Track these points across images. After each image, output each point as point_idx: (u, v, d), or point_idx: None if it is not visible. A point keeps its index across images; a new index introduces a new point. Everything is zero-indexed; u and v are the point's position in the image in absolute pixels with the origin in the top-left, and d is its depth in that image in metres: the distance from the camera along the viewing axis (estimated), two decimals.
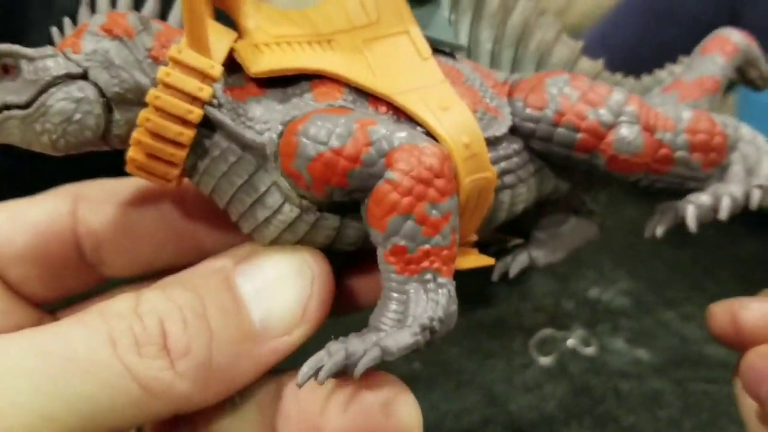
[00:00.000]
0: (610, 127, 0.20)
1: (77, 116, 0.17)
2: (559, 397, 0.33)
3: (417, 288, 0.17)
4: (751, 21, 0.54)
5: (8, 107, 0.17)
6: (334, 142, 0.17)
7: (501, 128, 0.20)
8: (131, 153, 0.17)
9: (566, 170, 0.21)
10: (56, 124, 0.17)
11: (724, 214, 0.20)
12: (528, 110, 0.20)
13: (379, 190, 0.17)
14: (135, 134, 0.17)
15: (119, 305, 0.17)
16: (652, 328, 0.38)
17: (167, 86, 0.17)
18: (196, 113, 0.17)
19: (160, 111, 0.17)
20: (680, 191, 0.21)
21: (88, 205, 0.22)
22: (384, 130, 0.17)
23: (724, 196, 0.20)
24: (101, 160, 0.20)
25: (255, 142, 0.17)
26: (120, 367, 0.16)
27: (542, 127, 0.20)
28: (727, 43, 0.24)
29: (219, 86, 0.17)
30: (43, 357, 0.15)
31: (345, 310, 0.21)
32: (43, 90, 0.17)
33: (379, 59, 0.19)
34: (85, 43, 0.17)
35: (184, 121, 0.17)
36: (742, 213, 0.21)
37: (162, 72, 0.17)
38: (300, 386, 0.16)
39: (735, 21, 0.62)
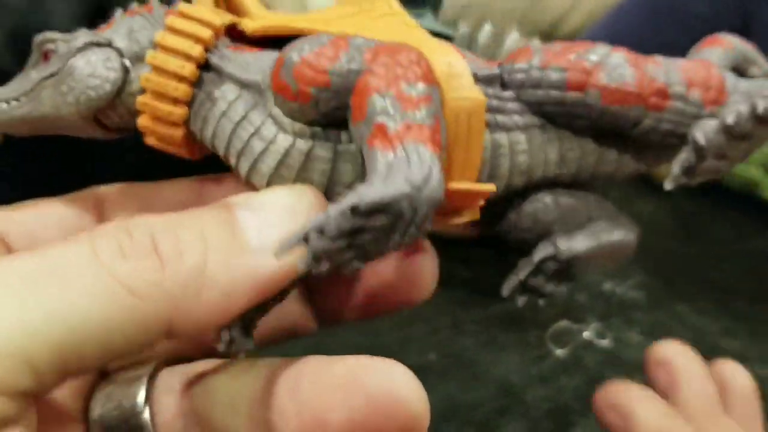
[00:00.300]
0: (597, 64, 0.20)
1: (100, 71, 0.19)
2: (575, 389, 0.34)
3: (400, 159, 0.16)
4: (763, 21, 0.54)
5: (45, 79, 0.19)
6: (315, 47, 0.18)
7: (491, 71, 0.20)
8: (141, 121, 0.19)
9: (570, 131, 0.21)
10: (80, 80, 0.19)
11: (761, 108, 0.19)
12: (516, 65, 0.20)
13: (360, 79, 0.17)
14: (140, 99, 0.19)
15: (107, 225, 0.16)
16: (666, 322, 0.38)
17: (172, 30, 0.19)
18: (196, 50, 0.19)
19: (158, 70, 0.19)
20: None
21: (112, 207, 0.22)
22: (364, 39, 0.18)
23: (755, 99, 0.19)
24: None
25: (251, 80, 0.19)
26: (103, 271, 0.15)
27: (532, 73, 0.20)
28: (721, 40, 0.23)
29: (222, 42, 0.20)
30: (20, 272, 0.15)
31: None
32: (72, 56, 0.19)
33: (369, 25, 0.21)
34: (113, 24, 0.20)
35: (179, 77, 0.19)
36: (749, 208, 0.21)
37: (168, 19, 0.19)
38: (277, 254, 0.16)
39: (747, 22, 0.62)
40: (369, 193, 0.15)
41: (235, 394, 0.18)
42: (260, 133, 0.19)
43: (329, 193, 0.19)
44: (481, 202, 0.20)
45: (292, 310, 0.22)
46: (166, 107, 0.19)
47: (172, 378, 0.20)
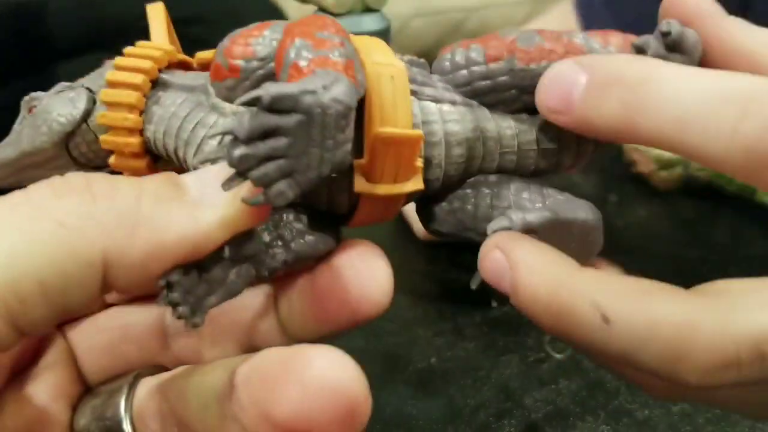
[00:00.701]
0: (512, 38, 0.21)
1: (69, 103, 0.21)
2: (574, 392, 0.34)
3: (309, 81, 0.16)
4: (760, 12, 0.54)
5: (23, 121, 0.22)
6: (243, 30, 0.20)
7: (417, 59, 0.22)
8: (102, 136, 0.21)
9: (502, 108, 0.22)
10: (51, 111, 0.21)
11: None
12: (441, 56, 0.22)
13: (283, 38, 0.18)
14: (99, 114, 0.21)
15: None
16: None
17: (119, 67, 0.21)
18: (139, 77, 0.21)
19: (116, 84, 0.21)
20: None
21: None
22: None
23: None
24: None
25: (197, 84, 0.21)
26: (35, 211, 0.15)
27: (455, 58, 0.21)
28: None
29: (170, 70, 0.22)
30: None
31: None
32: (48, 98, 0.22)
33: None
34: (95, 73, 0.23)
35: (133, 86, 0.21)
36: (748, 212, 0.20)
37: (116, 60, 0.21)
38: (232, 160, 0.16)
39: (744, 11, 0.63)
40: (273, 87, 0.15)
41: (204, 391, 0.18)
42: (203, 121, 0.20)
43: None
44: (419, 162, 0.20)
45: (262, 329, 0.21)
46: (123, 114, 0.21)
47: (151, 385, 0.21)
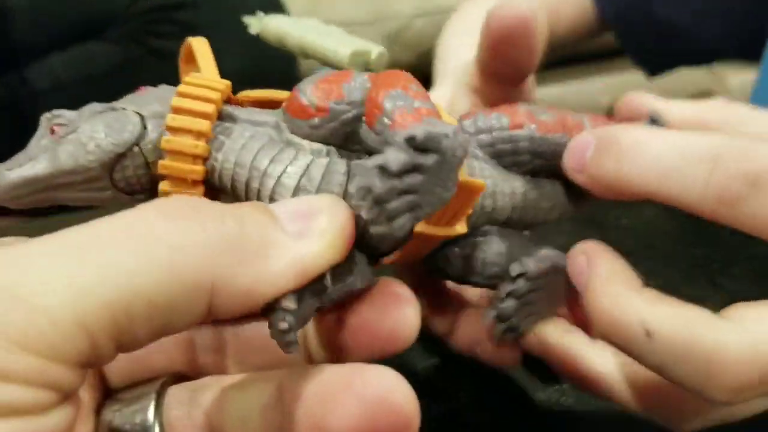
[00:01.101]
0: (529, 111, 0.25)
1: (119, 124, 0.21)
2: (578, 392, 0.34)
3: (425, 123, 0.18)
4: None
5: (61, 138, 0.21)
6: (328, 75, 0.21)
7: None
8: (162, 162, 0.21)
9: (515, 170, 0.25)
10: (100, 130, 0.21)
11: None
12: (465, 121, 0.26)
13: (372, 88, 0.20)
14: (164, 138, 0.21)
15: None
16: None
17: (185, 95, 0.21)
18: (211, 107, 0.21)
19: (183, 111, 0.21)
20: None
21: None
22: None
23: None
24: None
25: (263, 120, 0.22)
26: (147, 232, 0.16)
27: (478, 121, 0.25)
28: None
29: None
30: (61, 240, 0.15)
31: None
32: (91, 117, 0.21)
33: None
34: (122, 99, 0.22)
35: (202, 114, 0.21)
36: None
37: (180, 87, 0.21)
38: (367, 208, 0.18)
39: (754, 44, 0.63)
40: (419, 128, 0.17)
41: (246, 405, 0.19)
42: (280, 156, 0.21)
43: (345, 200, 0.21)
44: (476, 201, 0.22)
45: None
46: (191, 141, 0.21)
47: (181, 393, 0.21)
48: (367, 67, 0.25)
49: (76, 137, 0.21)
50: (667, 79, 0.74)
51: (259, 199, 0.21)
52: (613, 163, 0.22)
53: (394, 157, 0.17)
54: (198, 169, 0.21)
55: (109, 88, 0.96)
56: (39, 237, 0.15)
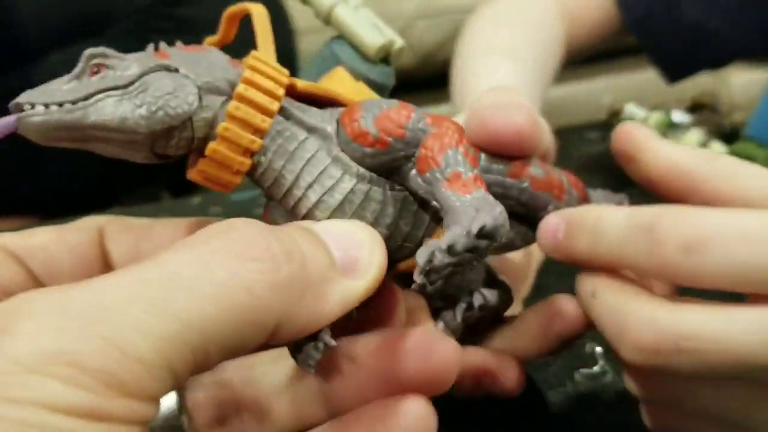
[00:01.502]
0: (527, 163, 0.25)
1: (178, 91, 0.20)
2: (586, 386, 0.34)
3: (479, 202, 0.20)
4: None
5: (104, 91, 0.19)
6: (392, 106, 0.22)
7: None
8: (214, 145, 0.20)
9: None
10: (158, 96, 0.20)
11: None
12: None
13: (432, 135, 0.22)
14: (223, 125, 0.20)
15: (210, 229, 0.18)
16: None
17: (251, 84, 0.21)
18: (276, 105, 0.21)
19: (247, 101, 0.20)
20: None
21: (111, 237, 0.24)
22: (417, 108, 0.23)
23: None
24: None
25: (315, 125, 0.22)
26: (224, 275, 0.16)
27: (482, 165, 0.25)
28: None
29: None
30: (146, 284, 0.16)
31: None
32: (144, 74, 0.20)
33: (358, 90, 0.25)
34: (170, 56, 0.21)
35: (265, 111, 0.21)
36: None
37: (247, 73, 0.21)
38: (422, 274, 0.19)
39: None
40: (487, 220, 0.20)
41: (276, 375, 0.21)
42: (328, 171, 0.21)
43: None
44: None
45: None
46: (249, 136, 0.20)
47: (202, 379, 0.22)
48: (385, 59, 0.25)
49: (126, 95, 0.20)
50: None
51: (296, 207, 0.21)
52: (580, 244, 0.24)
53: (462, 241, 0.19)
54: (246, 162, 0.21)
55: None
56: (121, 274, 0.16)
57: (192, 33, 1.04)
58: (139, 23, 0.95)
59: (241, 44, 0.25)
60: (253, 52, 0.21)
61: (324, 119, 0.22)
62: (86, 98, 0.19)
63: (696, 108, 0.61)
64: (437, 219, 0.23)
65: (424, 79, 1.07)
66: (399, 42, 0.25)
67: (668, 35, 0.67)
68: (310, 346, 0.19)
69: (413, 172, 0.22)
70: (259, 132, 0.21)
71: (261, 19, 0.23)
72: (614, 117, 0.56)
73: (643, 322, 0.22)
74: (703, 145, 0.50)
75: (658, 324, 0.21)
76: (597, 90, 1.26)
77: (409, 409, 0.19)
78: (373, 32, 0.25)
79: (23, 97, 0.19)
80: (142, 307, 0.15)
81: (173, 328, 0.15)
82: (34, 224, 0.61)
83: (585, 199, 0.28)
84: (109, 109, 0.19)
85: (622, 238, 0.23)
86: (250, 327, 0.16)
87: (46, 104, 0.19)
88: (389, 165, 0.22)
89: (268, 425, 0.22)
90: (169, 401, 0.21)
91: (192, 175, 0.21)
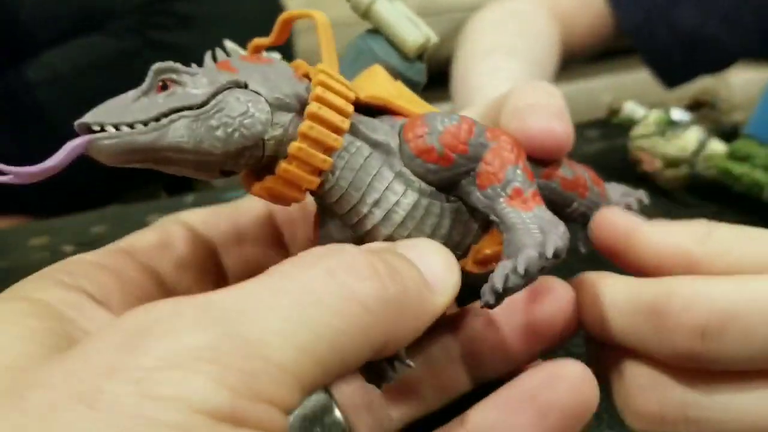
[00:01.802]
0: (557, 165, 0.25)
1: (252, 110, 0.20)
2: None
3: (540, 220, 0.21)
4: None
5: (176, 110, 0.19)
6: (454, 122, 0.22)
7: None
8: (285, 165, 0.20)
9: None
10: (234, 117, 0.19)
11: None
12: None
13: (492, 150, 0.22)
14: (295, 145, 0.20)
15: (324, 249, 0.18)
16: None
17: (323, 101, 0.20)
18: (347, 123, 0.21)
19: (320, 120, 0.20)
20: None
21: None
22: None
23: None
24: None
25: (380, 140, 0.22)
26: (345, 293, 0.17)
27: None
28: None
29: None
30: (282, 294, 0.16)
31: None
32: (217, 92, 0.19)
33: (410, 98, 0.25)
34: (237, 65, 0.21)
35: (337, 129, 0.21)
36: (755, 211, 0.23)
37: (318, 90, 0.20)
38: (494, 293, 0.20)
39: None
40: (558, 243, 0.20)
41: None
42: (393, 187, 0.22)
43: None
44: None
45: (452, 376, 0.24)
46: (320, 156, 0.20)
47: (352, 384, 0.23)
48: (420, 55, 0.25)
49: (201, 116, 0.19)
50: None
51: (360, 223, 0.22)
52: (591, 320, 0.23)
53: (537, 264, 0.20)
54: (315, 181, 0.21)
55: (105, 80, 0.96)
56: (256, 282, 0.16)
57: (191, 29, 1.04)
58: (139, 19, 0.94)
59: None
60: (320, 66, 0.21)
61: (386, 133, 0.22)
62: (158, 119, 0.19)
63: (695, 106, 0.61)
64: (485, 227, 0.23)
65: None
66: (434, 37, 0.25)
67: (665, 41, 0.67)
68: (391, 368, 0.20)
69: (473, 187, 0.22)
70: (329, 150, 0.21)
71: (324, 28, 0.22)
72: (613, 115, 0.56)
73: (648, 389, 0.21)
74: (703, 143, 0.50)
75: (664, 392, 0.21)
76: (596, 88, 1.26)
77: (570, 371, 0.20)
78: (412, 29, 0.25)
79: (90, 117, 0.19)
80: (281, 315, 0.15)
81: (308, 339, 0.15)
82: (30, 223, 0.61)
83: (604, 195, 0.28)
84: (184, 131, 0.19)
85: (628, 321, 0.21)
86: (366, 344, 0.17)
87: (116, 125, 0.18)
88: (449, 180, 0.22)
89: (414, 402, 0.23)
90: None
91: (256, 190, 0.21)
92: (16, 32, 0.94)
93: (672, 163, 0.50)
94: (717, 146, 0.50)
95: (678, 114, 0.52)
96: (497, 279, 0.20)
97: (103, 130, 0.18)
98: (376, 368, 0.21)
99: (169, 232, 0.23)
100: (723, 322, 0.19)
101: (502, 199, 0.21)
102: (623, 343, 0.22)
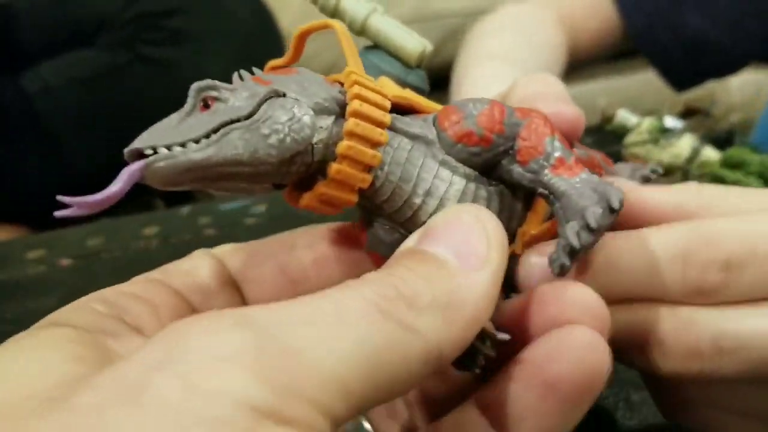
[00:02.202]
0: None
1: (298, 115, 0.20)
2: None
3: (587, 183, 0.21)
4: None
5: (225, 125, 0.19)
6: (485, 105, 0.23)
7: None
8: (337, 166, 0.21)
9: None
10: (283, 123, 0.20)
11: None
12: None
13: (527, 126, 0.22)
14: (344, 144, 0.20)
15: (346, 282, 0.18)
16: None
17: (363, 98, 0.21)
18: (387, 117, 0.21)
19: (364, 117, 0.21)
20: None
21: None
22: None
23: None
24: None
25: (418, 133, 0.22)
26: (386, 305, 0.17)
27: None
28: None
29: None
30: (320, 309, 0.16)
31: None
32: (261, 103, 0.20)
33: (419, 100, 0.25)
34: (269, 78, 0.21)
35: (380, 124, 0.21)
36: None
37: (356, 89, 0.21)
38: (567, 254, 0.20)
39: None
40: (618, 193, 0.20)
41: None
42: (440, 176, 0.22)
43: None
44: None
45: None
46: (370, 151, 0.21)
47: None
48: (418, 64, 0.26)
49: (251, 127, 0.19)
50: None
51: (414, 216, 0.22)
52: (604, 278, 0.23)
53: (606, 218, 0.20)
54: (368, 178, 0.21)
55: (95, 92, 0.97)
56: (292, 301, 0.17)
57: (182, 44, 1.04)
58: (130, 34, 0.95)
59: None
60: (349, 68, 0.22)
61: (421, 126, 0.23)
62: (208, 135, 0.19)
63: (689, 113, 0.61)
64: (527, 208, 0.24)
65: None
66: (429, 45, 0.26)
67: (671, 46, 0.67)
68: (479, 345, 0.20)
69: (515, 164, 0.23)
70: (376, 145, 0.21)
71: (345, 35, 0.23)
72: (607, 122, 0.56)
73: (681, 326, 0.21)
74: (696, 150, 0.50)
75: (698, 326, 0.21)
76: (593, 92, 1.26)
77: (577, 339, 0.19)
78: (409, 38, 0.25)
79: (140, 143, 0.19)
80: (320, 326, 0.16)
81: (347, 348, 0.16)
82: (27, 237, 0.61)
83: (616, 174, 0.28)
84: (238, 143, 0.19)
85: (649, 269, 0.22)
86: (414, 357, 0.17)
87: (168, 146, 0.19)
88: (491, 161, 0.23)
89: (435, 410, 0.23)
90: None
91: (305, 202, 0.21)
92: (12, 44, 0.95)
93: (666, 170, 0.50)
94: (710, 153, 0.50)
95: (671, 121, 0.52)
96: (571, 237, 0.20)
97: (155, 153, 0.18)
98: (465, 352, 0.20)
99: (199, 264, 0.24)
100: (745, 253, 0.21)
101: (547, 170, 0.22)
102: (650, 295, 0.22)
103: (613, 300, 0.22)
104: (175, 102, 0.20)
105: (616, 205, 0.20)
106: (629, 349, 0.23)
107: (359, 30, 0.26)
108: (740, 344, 0.21)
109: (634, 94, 1.16)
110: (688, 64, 0.68)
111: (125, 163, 0.19)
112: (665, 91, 0.75)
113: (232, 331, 0.15)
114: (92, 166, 0.87)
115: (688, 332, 0.21)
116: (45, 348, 0.17)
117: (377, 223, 0.23)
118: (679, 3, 0.66)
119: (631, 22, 0.67)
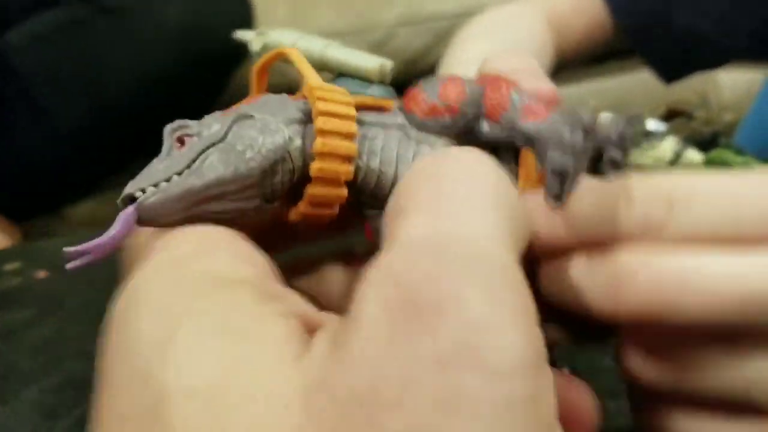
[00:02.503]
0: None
1: (268, 128, 0.21)
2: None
3: (559, 116, 0.22)
4: None
5: (204, 151, 0.20)
6: (443, 80, 0.24)
7: None
8: (317, 164, 0.21)
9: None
10: (255, 137, 0.21)
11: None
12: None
13: (489, 88, 0.23)
14: (319, 141, 0.21)
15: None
16: None
17: (325, 99, 0.22)
18: (353, 111, 0.22)
19: (331, 114, 0.22)
20: None
21: None
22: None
23: None
24: None
25: (389, 122, 0.24)
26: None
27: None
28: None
29: None
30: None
31: None
32: (231, 125, 0.21)
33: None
34: (236, 107, 0.22)
35: (349, 117, 0.22)
36: None
37: (316, 92, 0.22)
38: (558, 194, 0.21)
39: None
40: (584, 114, 0.21)
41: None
42: (420, 151, 0.23)
43: None
44: None
45: None
46: (345, 143, 0.22)
47: None
48: (381, 80, 0.26)
49: (226, 147, 0.20)
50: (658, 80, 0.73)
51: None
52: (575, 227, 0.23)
53: (575, 136, 0.20)
54: (350, 170, 0.22)
55: (57, 49, 0.97)
56: None
57: (146, 3, 1.04)
58: None
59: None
60: (307, 82, 0.23)
61: (390, 117, 0.24)
62: (189, 165, 0.20)
63: (671, 116, 0.61)
64: (517, 166, 0.25)
65: (407, 86, 1.07)
66: (388, 62, 0.27)
67: (661, 40, 0.67)
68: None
69: (487, 124, 0.23)
70: (350, 137, 0.22)
71: (300, 59, 0.24)
72: None
73: (640, 266, 0.21)
74: (678, 153, 0.50)
75: (660, 265, 0.20)
76: (583, 94, 1.26)
77: None
78: (366, 57, 0.26)
79: (129, 188, 0.20)
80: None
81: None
82: (3, 250, 0.60)
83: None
84: (218, 165, 0.20)
85: (592, 210, 0.22)
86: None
87: (155, 184, 0.20)
88: (464, 129, 0.24)
89: None
90: None
91: (300, 208, 0.22)
92: None
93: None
94: (693, 156, 0.50)
95: (653, 124, 0.52)
96: (554, 162, 0.21)
97: (143, 192, 0.20)
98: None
99: None
100: (689, 192, 0.21)
101: (518, 120, 0.23)
102: (587, 238, 0.22)
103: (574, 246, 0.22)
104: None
105: (586, 120, 0.21)
106: (587, 299, 0.22)
107: (319, 65, 0.26)
108: (704, 280, 0.20)
109: (623, 96, 1.16)
110: (678, 58, 0.68)
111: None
112: (654, 94, 0.74)
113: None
114: (75, 126, 0.88)
115: (648, 271, 0.20)
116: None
117: (377, 216, 0.23)
118: None
119: (621, 17, 0.67)
